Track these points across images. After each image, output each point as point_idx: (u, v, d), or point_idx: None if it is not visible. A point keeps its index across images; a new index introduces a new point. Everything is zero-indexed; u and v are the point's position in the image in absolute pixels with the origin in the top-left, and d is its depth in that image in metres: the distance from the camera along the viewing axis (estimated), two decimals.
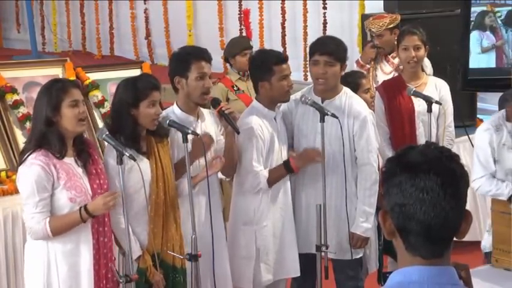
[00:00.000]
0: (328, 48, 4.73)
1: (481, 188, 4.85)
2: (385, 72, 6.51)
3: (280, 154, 4.73)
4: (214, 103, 4.50)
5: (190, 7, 11.44)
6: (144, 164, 4.23)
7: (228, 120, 4.42)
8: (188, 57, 4.45)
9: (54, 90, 3.97)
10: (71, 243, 4.01)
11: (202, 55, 4.48)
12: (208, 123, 4.57)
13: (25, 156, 3.96)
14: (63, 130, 3.97)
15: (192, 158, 4.29)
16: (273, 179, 4.65)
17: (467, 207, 1.97)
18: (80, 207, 3.94)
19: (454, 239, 1.96)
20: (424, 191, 1.88)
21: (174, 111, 4.47)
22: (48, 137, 3.94)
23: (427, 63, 6.14)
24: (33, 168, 3.91)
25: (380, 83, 6.10)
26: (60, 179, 3.94)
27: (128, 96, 4.23)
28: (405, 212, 1.90)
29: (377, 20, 6.54)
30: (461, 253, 4.98)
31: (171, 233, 4.31)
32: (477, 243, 6.37)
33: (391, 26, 6.43)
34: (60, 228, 3.95)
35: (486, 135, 4.86)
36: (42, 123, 3.96)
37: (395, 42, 5.78)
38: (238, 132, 4.46)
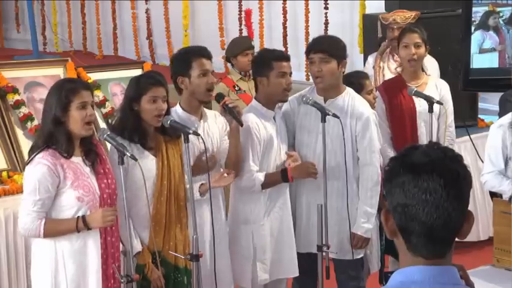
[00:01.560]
0: (321, 46, 4.76)
1: (487, 183, 4.89)
2: (393, 72, 6.52)
3: (279, 154, 4.73)
4: (218, 98, 4.52)
5: (187, 7, 11.45)
6: (150, 160, 4.24)
7: (231, 113, 4.43)
8: (188, 56, 4.48)
9: (65, 91, 3.97)
10: (79, 242, 4.00)
11: (202, 52, 4.51)
12: (211, 124, 4.57)
13: (33, 155, 3.96)
14: (68, 129, 3.98)
15: (195, 172, 4.32)
16: (268, 184, 4.66)
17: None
18: (78, 217, 3.95)
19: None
20: (427, 192, 1.88)
21: (177, 111, 4.48)
22: (56, 136, 3.95)
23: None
24: (39, 168, 3.91)
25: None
26: (67, 179, 3.94)
27: (131, 91, 4.27)
28: (408, 213, 1.90)
29: (400, 12, 6.59)
30: (461, 253, 4.99)
31: (174, 232, 4.31)
32: (476, 244, 6.39)
33: (413, 21, 6.47)
34: (52, 233, 3.96)
35: (499, 132, 4.86)
36: (51, 122, 3.96)
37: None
38: (241, 125, 4.46)
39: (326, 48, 4.74)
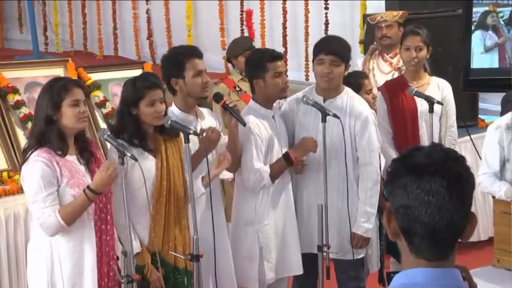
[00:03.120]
0: (334, 48, 4.75)
1: (481, 184, 4.91)
2: (383, 72, 6.53)
3: (281, 153, 4.73)
4: (217, 98, 4.52)
5: (190, 7, 11.44)
6: (149, 161, 4.23)
7: (233, 113, 4.44)
8: (180, 58, 4.47)
9: (56, 89, 3.97)
10: (74, 241, 4.00)
11: (193, 53, 4.51)
12: (207, 122, 4.59)
13: (28, 155, 3.95)
14: (63, 128, 3.98)
15: (203, 152, 4.30)
16: (275, 172, 4.65)
17: None
18: (84, 189, 3.92)
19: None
20: (430, 194, 1.87)
21: (173, 112, 4.48)
22: (48, 135, 3.94)
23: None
24: (37, 165, 3.90)
25: (379, 82, 6.12)
26: (63, 176, 3.94)
27: (128, 96, 4.26)
28: (410, 214, 1.89)
29: (388, 12, 6.63)
30: (461, 253, 4.99)
31: (173, 233, 4.31)
32: (477, 244, 6.39)
33: (401, 20, 6.49)
34: (70, 215, 3.92)
35: (496, 134, 4.86)
36: (43, 121, 3.95)
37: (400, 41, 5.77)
38: (244, 125, 4.46)
39: (338, 51, 4.73)
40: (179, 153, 4.37)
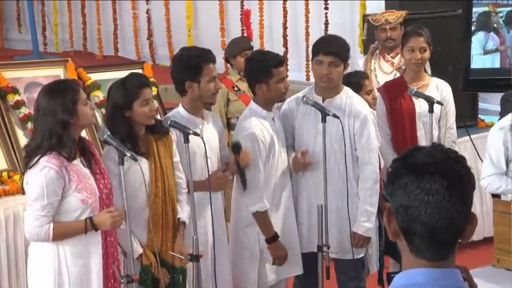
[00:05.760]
0: (332, 49, 4.73)
1: (490, 185, 4.86)
2: (385, 72, 6.52)
3: (280, 155, 4.73)
4: (235, 149, 4.51)
5: (190, 7, 11.45)
6: (143, 164, 4.22)
7: (240, 171, 4.49)
8: (198, 62, 4.48)
9: (70, 92, 3.94)
10: (81, 244, 4.00)
11: (209, 57, 4.53)
12: (211, 125, 4.61)
13: (36, 159, 3.90)
14: (73, 131, 3.97)
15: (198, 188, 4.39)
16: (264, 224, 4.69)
17: None
18: (86, 220, 3.94)
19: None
20: (430, 194, 1.87)
21: (180, 113, 4.49)
22: (64, 140, 3.91)
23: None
24: (45, 171, 3.87)
25: (381, 82, 6.11)
26: (71, 182, 3.93)
27: (120, 99, 4.24)
28: (410, 214, 1.89)
29: (390, 13, 6.60)
30: (458, 253, 4.98)
31: (171, 233, 4.32)
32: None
33: (402, 20, 6.50)
34: (61, 235, 3.94)
35: (500, 134, 4.85)
36: (59, 127, 3.90)
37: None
38: (245, 188, 4.52)
39: (337, 52, 4.71)
40: (170, 153, 4.37)
